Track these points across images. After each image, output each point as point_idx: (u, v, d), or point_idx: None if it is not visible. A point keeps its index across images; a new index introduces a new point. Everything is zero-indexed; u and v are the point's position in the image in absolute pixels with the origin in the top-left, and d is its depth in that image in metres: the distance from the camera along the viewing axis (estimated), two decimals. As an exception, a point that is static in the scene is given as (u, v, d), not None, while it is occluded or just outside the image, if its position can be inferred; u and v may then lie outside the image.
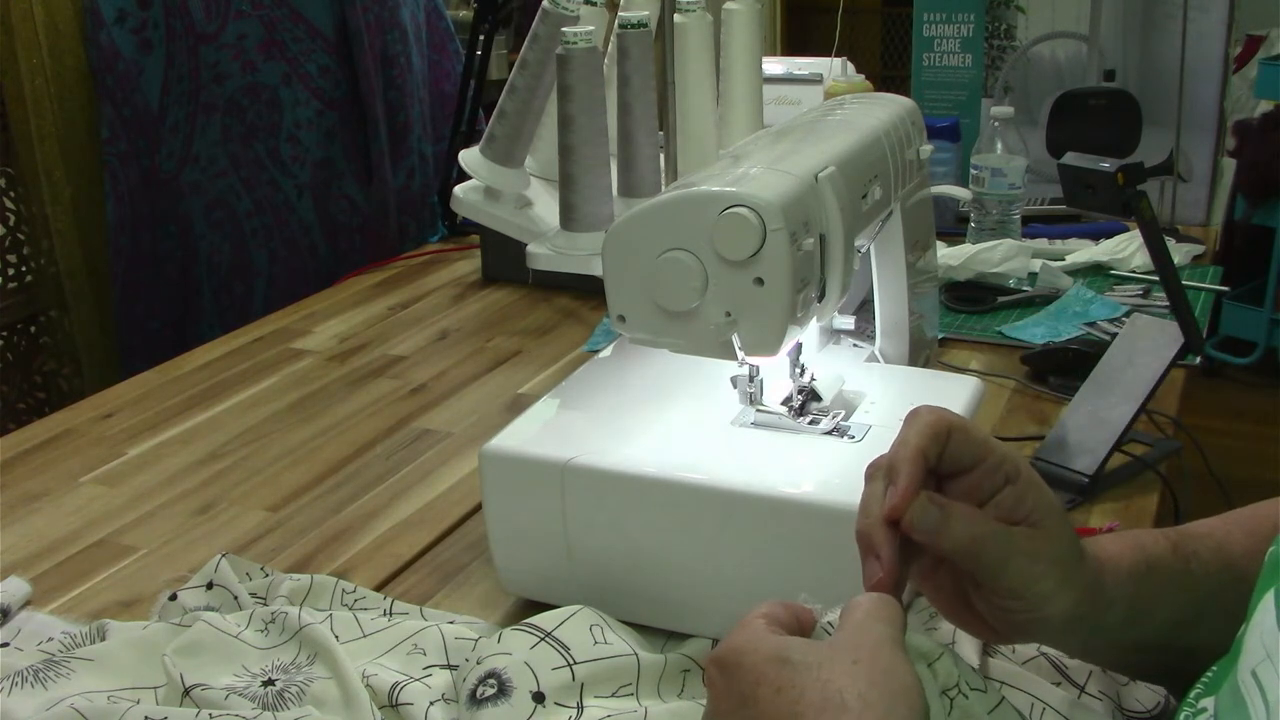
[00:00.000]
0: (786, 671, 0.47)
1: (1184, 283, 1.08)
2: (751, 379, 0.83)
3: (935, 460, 0.55)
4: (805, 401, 0.86)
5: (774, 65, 1.81)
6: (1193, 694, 0.54)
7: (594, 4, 1.28)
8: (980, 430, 0.57)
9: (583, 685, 0.69)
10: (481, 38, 1.60)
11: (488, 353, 1.32)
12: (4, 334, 1.69)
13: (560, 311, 1.44)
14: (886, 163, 0.93)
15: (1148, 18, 1.66)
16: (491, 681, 0.68)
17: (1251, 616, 0.50)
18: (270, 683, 0.74)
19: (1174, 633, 0.59)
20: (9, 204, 1.68)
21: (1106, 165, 0.96)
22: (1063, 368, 1.15)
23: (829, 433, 0.82)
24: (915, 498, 0.54)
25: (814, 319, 0.83)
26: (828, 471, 0.76)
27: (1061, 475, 0.95)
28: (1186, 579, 0.59)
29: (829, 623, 0.53)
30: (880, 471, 0.56)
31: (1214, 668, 0.54)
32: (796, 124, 0.98)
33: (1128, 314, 1.30)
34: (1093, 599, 0.57)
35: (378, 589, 0.86)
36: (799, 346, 0.87)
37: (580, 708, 0.69)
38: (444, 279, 1.58)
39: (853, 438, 0.81)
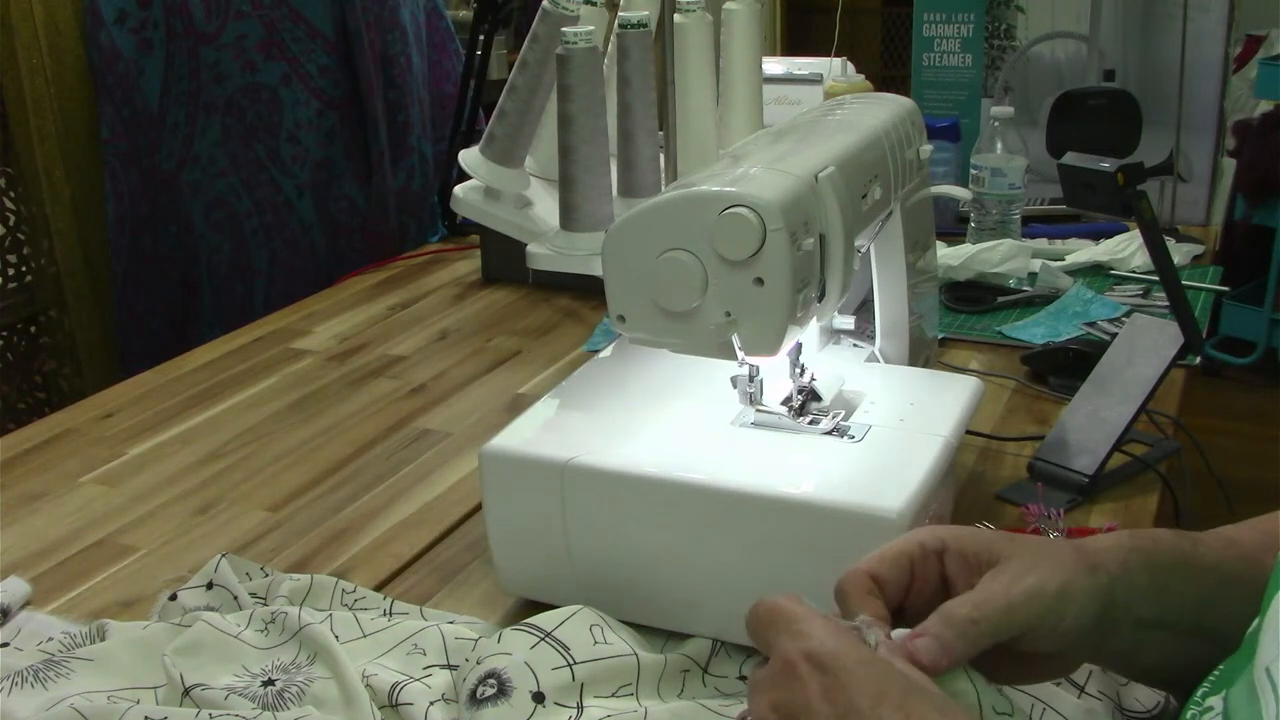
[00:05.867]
0: (912, 699, 0.47)
1: (1184, 283, 1.08)
2: (751, 379, 0.82)
3: (882, 606, 0.55)
4: (805, 401, 0.86)
5: (774, 65, 1.81)
6: (1199, 693, 0.54)
7: (594, 4, 1.28)
8: (893, 545, 0.57)
9: (583, 685, 0.69)
10: (481, 38, 1.60)
11: (488, 353, 1.32)
12: (4, 334, 1.69)
13: (560, 311, 1.44)
14: (886, 163, 0.93)
15: (1148, 18, 1.66)
16: (491, 681, 0.68)
17: (1265, 613, 0.50)
18: (270, 683, 0.74)
19: (1202, 610, 0.58)
20: (9, 204, 1.68)
21: (1106, 165, 0.96)
22: (1063, 368, 1.15)
23: (829, 433, 0.82)
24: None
25: (814, 319, 0.83)
26: (828, 471, 0.76)
27: (1061, 475, 0.95)
28: (1196, 560, 0.59)
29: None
30: (842, 596, 0.56)
31: (1221, 666, 0.54)
32: (796, 124, 0.98)
33: (1128, 314, 1.30)
34: (1095, 566, 0.56)
35: (378, 589, 0.86)
36: (799, 346, 0.87)
37: (580, 708, 0.69)
38: (444, 279, 1.58)
39: (853, 438, 0.81)
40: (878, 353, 1.01)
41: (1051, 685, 0.69)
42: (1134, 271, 1.44)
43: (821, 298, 0.80)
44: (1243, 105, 3.10)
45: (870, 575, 0.56)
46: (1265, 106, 3.04)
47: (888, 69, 4.19)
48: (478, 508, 0.95)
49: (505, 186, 1.31)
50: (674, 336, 0.78)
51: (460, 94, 1.65)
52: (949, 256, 1.41)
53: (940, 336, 1.24)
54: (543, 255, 1.13)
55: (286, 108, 1.69)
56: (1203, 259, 1.51)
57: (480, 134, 1.35)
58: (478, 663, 0.70)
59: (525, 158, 1.33)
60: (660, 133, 1.17)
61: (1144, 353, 0.98)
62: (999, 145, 1.49)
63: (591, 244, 1.10)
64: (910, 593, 0.57)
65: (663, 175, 1.17)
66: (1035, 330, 1.28)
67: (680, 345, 0.79)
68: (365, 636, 0.78)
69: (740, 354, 0.78)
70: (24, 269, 1.70)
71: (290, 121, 1.69)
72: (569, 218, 1.12)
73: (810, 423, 0.83)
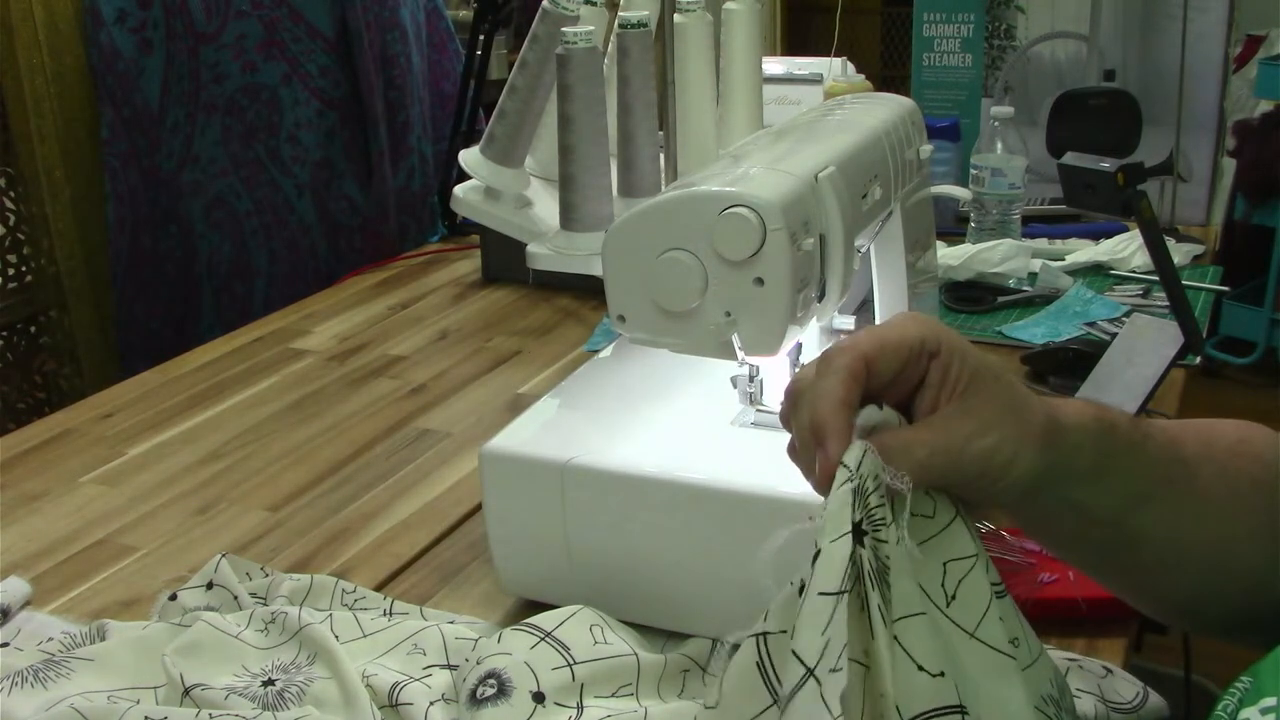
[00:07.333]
0: None
1: (1184, 283, 1.08)
2: (751, 379, 0.83)
3: (859, 397, 0.53)
4: (805, 401, 0.86)
5: (774, 65, 1.81)
6: (1222, 705, 0.52)
7: (594, 4, 1.28)
8: (894, 331, 0.54)
9: (583, 685, 0.70)
10: (481, 38, 1.60)
11: (488, 353, 1.32)
12: (4, 334, 1.69)
13: (560, 311, 1.44)
14: (886, 163, 0.93)
15: (1148, 18, 1.66)
16: (491, 681, 0.68)
17: None
18: (270, 683, 0.74)
19: (1126, 506, 0.58)
20: (9, 204, 1.68)
21: (1106, 165, 0.96)
22: (1063, 368, 1.15)
23: (829, 433, 0.82)
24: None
25: (814, 319, 0.83)
26: (828, 471, 0.76)
27: (1061, 475, 0.95)
28: (1142, 453, 0.58)
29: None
30: (830, 368, 0.53)
31: (1243, 676, 0.53)
32: (796, 124, 0.98)
33: (1128, 314, 1.29)
34: (1053, 442, 0.54)
35: (378, 589, 0.86)
36: (799, 346, 0.87)
37: (580, 708, 0.69)
38: (444, 279, 1.58)
39: (853, 438, 0.81)
40: (878, 353, 1.01)
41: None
42: (1134, 271, 1.44)
43: (821, 298, 0.80)
44: (1243, 105, 3.10)
45: (867, 360, 0.53)
46: (1265, 106, 3.04)
47: (888, 69, 4.19)
48: (478, 508, 0.95)
49: (505, 186, 1.31)
50: (674, 336, 0.78)
51: (460, 94, 1.65)
52: (949, 256, 1.41)
53: (940, 336, 1.23)
54: (543, 255, 1.14)
55: (286, 108, 1.69)
56: (1203, 259, 1.50)
57: (480, 134, 1.36)
58: (478, 663, 0.70)
59: (525, 158, 1.33)
60: (660, 133, 1.17)
61: (1144, 353, 0.98)
62: (999, 145, 1.49)
63: (591, 244, 1.10)
64: (892, 383, 0.54)
65: (663, 175, 1.17)
66: (1035, 330, 1.28)
67: (680, 345, 0.79)
68: (365, 636, 0.78)
69: (740, 354, 0.78)
70: (24, 269, 1.70)
71: (290, 121, 1.69)
72: (569, 218, 1.12)
73: (810, 423, 0.83)
